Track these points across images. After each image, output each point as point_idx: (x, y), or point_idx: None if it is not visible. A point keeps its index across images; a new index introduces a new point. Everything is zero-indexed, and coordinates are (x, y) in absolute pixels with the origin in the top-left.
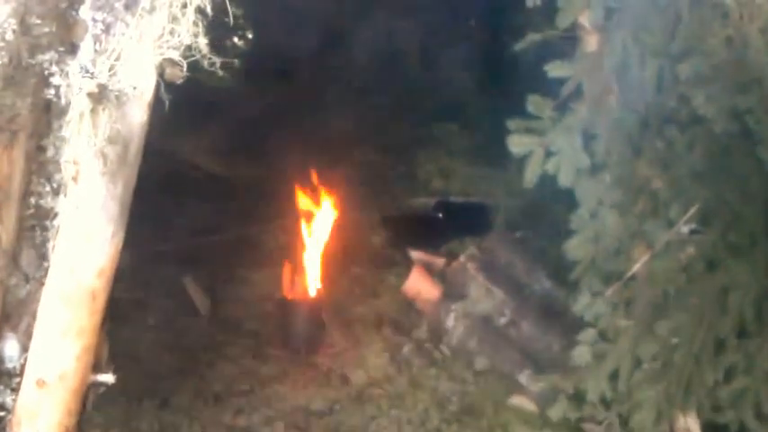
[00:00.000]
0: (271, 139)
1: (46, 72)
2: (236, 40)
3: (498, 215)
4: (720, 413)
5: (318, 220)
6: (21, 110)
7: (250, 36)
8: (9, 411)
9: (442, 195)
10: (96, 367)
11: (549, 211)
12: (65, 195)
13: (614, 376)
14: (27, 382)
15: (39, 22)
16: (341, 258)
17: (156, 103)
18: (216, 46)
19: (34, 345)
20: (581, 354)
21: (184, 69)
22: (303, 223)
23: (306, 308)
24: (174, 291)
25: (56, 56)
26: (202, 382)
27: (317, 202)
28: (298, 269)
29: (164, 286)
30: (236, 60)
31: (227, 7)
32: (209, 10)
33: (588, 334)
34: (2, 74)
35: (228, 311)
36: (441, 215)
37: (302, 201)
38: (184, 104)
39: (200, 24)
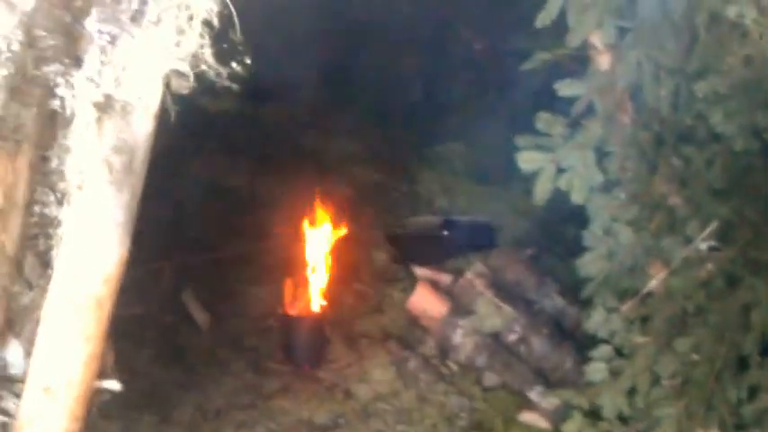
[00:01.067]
0: (275, 157)
1: (51, 83)
2: (239, 62)
3: (503, 234)
4: (744, 431)
5: (321, 236)
6: (25, 120)
7: (249, 62)
8: (12, 416)
9: (445, 214)
10: (102, 374)
11: (555, 229)
12: (68, 204)
13: (631, 393)
14: (32, 388)
15: (44, 34)
16: (345, 275)
17: (165, 116)
18: (224, 65)
19: (39, 351)
20: (596, 370)
21: (191, 80)
22: (306, 239)
23: (308, 323)
24: (174, 306)
25: (61, 67)
26: (203, 396)
27: (320, 218)
28: (300, 285)
29: (164, 301)
30: (240, 81)
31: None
32: (215, 22)
33: (603, 350)
34: (7, 84)
35: (230, 327)
36: (445, 233)
37: (306, 217)
38: (184, 123)
39: (206, 36)
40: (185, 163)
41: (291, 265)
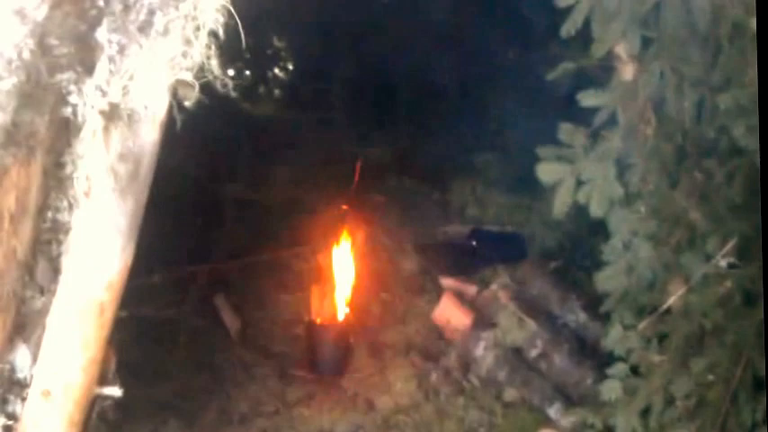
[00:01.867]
0: (306, 164)
1: (64, 91)
2: (276, 70)
3: (533, 245)
4: None
5: (350, 244)
6: (39, 127)
7: (291, 67)
8: (18, 420)
9: (476, 223)
10: (103, 380)
11: (585, 241)
12: (77, 210)
13: (646, 412)
14: (33, 392)
15: (57, 43)
16: (371, 283)
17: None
18: (259, 75)
19: (42, 355)
20: (611, 388)
21: (196, 90)
22: (334, 247)
23: (334, 332)
24: (206, 311)
25: (74, 76)
26: (229, 401)
27: (349, 226)
28: (327, 293)
29: (196, 306)
30: (281, 87)
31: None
32: (221, 33)
33: (619, 368)
34: (19, 91)
35: (258, 333)
36: (474, 243)
37: (335, 225)
38: (219, 131)
39: (212, 47)
40: (222, 169)
41: (320, 273)
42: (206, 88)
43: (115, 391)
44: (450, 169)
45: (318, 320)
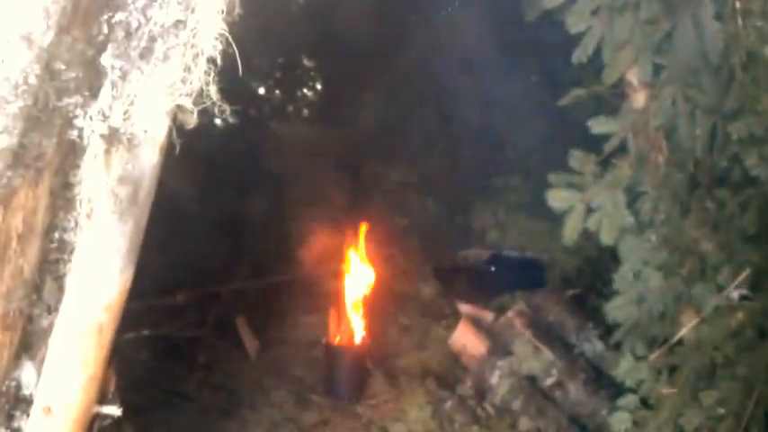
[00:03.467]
0: (328, 186)
1: (71, 114)
2: (305, 90)
3: (553, 271)
4: None
5: (368, 268)
6: (46, 149)
7: (319, 87)
8: None
9: (496, 248)
10: (102, 399)
11: (605, 269)
12: (80, 231)
13: None
14: (35, 409)
15: (64, 67)
16: (390, 307)
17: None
18: (288, 94)
19: (45, 373)
20: (620, 420)
21: (195, 116)
22: (352, 270)
23: (350, 355)
24: (227, 331)
25: (81, 99)
26: (243, 425)
27: (369, 248)
28: (345, 316)
29: (217, 326)
30: (309, 106)
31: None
32: (219, 60)
33: (629, 400)
34: (25, 114)
35: (276, 354)
36: (494, 269)
37: (354, 248)
38: (242, 153)
39: (211, 73)
40: (245, 192)
41: (339, 295)
42: (234, 110)
43: (114, 410)
44: (472, 193)
45: (336, 343)
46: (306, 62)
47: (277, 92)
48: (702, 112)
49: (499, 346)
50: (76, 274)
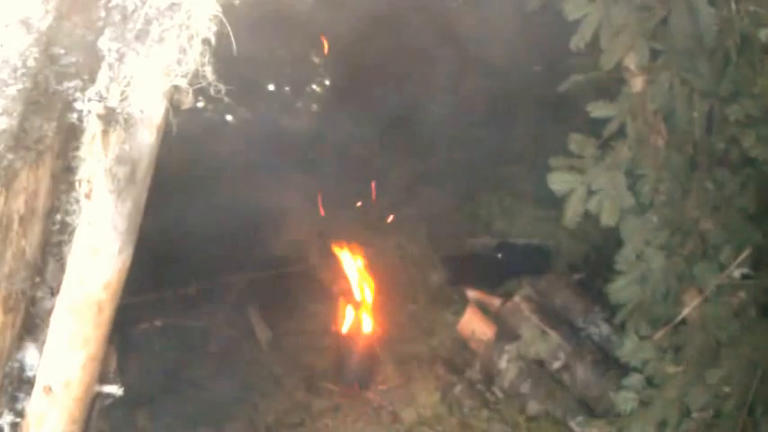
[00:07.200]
0: (338, 176)
1: (70, 98)
2: (314, 86)
3: (560, 257)
4: None
5: (378, 255)
6: (47, 132)
7: (327, 82)
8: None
9: (503, 236)
10: (103, 378)
11: (611, 253)
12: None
13: (661, 425)
14: (36, 388)
15: (64, 52)
16: (399, 295)
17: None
18: (299, 89)
19: (45, 353)
20: (626, 399)
21: (190, 96)
22: (361, 259)
23: (360, 343)
24: (239, 320)
25: (81, 84)
26: (256, 412)
27: (378, 238)
28: (354, 304)
29: (229, 315)
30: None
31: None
32: (213, 41)
33: (634, 379)
34: (25, 97)
35: (288, 342)
36: (501, 256)
37: (363, 236)
38: (254, 144)
39: (206, 54)
40: (259, 182)
41: (348, 283)
42: (249, 102)
43: (115, 389)
44: (478, 182)
45: (346, 331)
46: (314, 58)
47: (287, 88)
48: (699, 95)
49: (507, 331)
50: (76, 252)
